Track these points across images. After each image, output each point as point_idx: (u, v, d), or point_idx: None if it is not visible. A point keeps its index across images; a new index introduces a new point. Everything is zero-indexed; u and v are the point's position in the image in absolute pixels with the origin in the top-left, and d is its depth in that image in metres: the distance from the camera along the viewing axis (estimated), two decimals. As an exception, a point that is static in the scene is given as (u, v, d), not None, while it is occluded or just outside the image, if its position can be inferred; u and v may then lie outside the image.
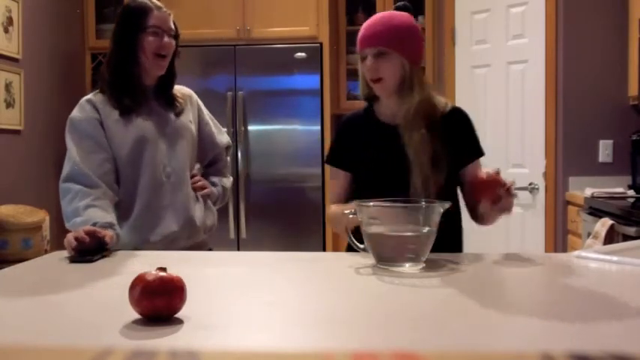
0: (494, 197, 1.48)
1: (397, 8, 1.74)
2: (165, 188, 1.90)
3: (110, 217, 1.73)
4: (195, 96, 2.09)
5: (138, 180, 1.88)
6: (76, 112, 1.91)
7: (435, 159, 1.64)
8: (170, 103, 1.96)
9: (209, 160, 2.15)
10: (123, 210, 1.88)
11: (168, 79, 1.97)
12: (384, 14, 1.71)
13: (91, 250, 1.56)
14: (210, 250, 2.06)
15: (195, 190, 2.00)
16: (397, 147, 1.67)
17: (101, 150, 1.84)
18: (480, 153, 1.76)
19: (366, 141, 1.77)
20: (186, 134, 1.98)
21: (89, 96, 1.94)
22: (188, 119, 2.00)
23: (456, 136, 1.71)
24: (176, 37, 1.94)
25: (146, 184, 1.88)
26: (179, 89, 2.03)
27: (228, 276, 1.37)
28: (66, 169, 1.83)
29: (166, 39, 1.87)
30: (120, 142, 1.86)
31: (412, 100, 1.67)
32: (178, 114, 1.97)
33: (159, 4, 1.91)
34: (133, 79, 1.90)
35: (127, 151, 1.86)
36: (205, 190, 2.04)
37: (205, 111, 2.12)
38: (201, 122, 2.08)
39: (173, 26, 1.92)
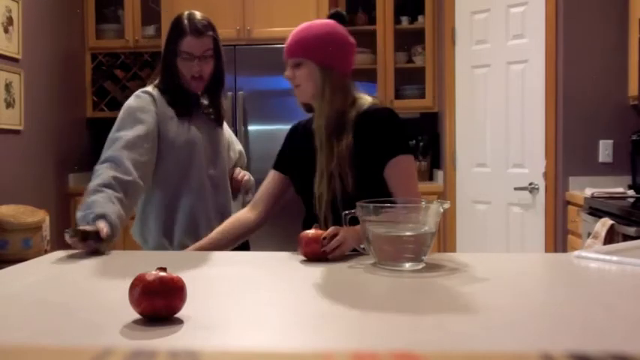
0: (317, 251, 1.50)
1: (330, 16, 1.79)
2: (208, 192, 2.00)
3: (108, 207, 1.67)
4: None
5: (184, 182, 1.97)
6: (133, 101, 1.95)
7: (342, 166, 1.65)
8: (214, 112, 2.05)
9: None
10: (169, 211, 1.97)
11: (214, 88, 2.03)
12: (304, 25, 1.75)
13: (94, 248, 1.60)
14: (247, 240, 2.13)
15: (239, 182, 2.11)
16: (313, 154, 1.73)
17: (148, 139, 1.89)
18: (393, 153, 1.69)
19: (298, 148, 1.82)
20: (224, 143, 2.09)
21: (148, 88, 2.00)
22: (223, 130, 2.12)
23: (369, 137, 1.68)
24: (217, 53, 1.97)
25: (192, 186, 1.97)
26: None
27: (228, 276, 1.37)
28: (106, 152, 1.83)
29: (196, 65, 1.92)
30: (172, 140, 1.94)
31: (324, 108, 1.71)
32: (219, 123, 2.07)
33: (198, 26, 1.92)
34: (180, 87, 1.98)
35: (177, 151, 1.94)
36: (245, 178, 2.15)
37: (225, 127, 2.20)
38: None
39: (212, 46, 1.94)
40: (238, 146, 2.26)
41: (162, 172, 1.96)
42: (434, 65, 4.45)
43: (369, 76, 4.60)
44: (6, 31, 3.58)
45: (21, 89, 3.72)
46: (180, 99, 1.98)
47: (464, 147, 4.01)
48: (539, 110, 3.54)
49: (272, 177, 1.87)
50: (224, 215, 2.00)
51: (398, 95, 4.52)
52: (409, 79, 4.57)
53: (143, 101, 1.92)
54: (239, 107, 3.98)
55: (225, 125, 2.19)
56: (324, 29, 1.71)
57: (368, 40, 4.55)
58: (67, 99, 4.36)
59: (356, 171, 1.65)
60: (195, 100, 2.03)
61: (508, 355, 0.53)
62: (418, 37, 4.52)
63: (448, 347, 0.87)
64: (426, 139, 4.56)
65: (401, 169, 1.69)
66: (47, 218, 3.29)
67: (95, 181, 1.75)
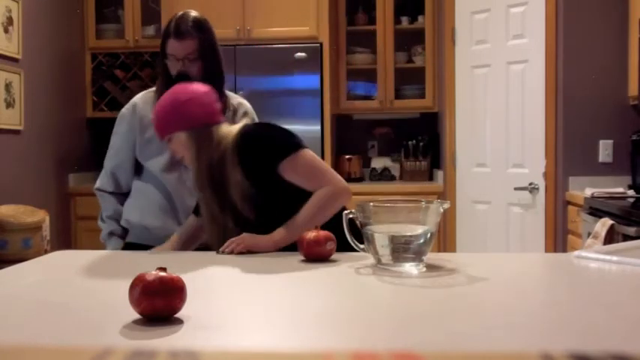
0: (317, 252, 1.52)
1: (174, 80, 1.86)
2: (176, 192, 2.03)
3: (117, 220, 2.10)
4: (243, 108, 2.12)
5: (155, 181, 2.04)
6: (124, 108, 2.12)
7: (238, 205, 1.69)
8: None
9: None
10: (139, 205, 2.06)
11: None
12: (156, 106, 1.79)
13: None
14: None
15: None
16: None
17: (122, 146, 2.06)
18: (280, 156, 1.70)
19: None
20: None
21: (143, 92, 2.11)
22: None
23: (252, 157, 1.70)
24: (204, 55, 1.95)
25: (161, 187, 2.03)
26: (230, 98, 2.09)
27: (228, 276, 1.37)
28: (102, 172, 2.14)
29: (180, 66, 1.93)
30: (147, 142, 2.02)
31: (194, 165, 1.74)
32: None
33: (182, 28, 1.92)
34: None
35: (150, 153, 2.01)
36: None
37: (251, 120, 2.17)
38: None
39: (196, 48, 1.92)
40: None
41: (142, 170, 2.09)
42: (434, 65, 4.45)
43: (369, 76, 4.61)
44: (6, 31, 3.58)
45: (21, 89, 3.72)
46: None
47: (464, 147, 4.01)
48: (539, 110, 3.54)
49: (190, 221, 1.89)
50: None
51: (398, 95, 4.52)
52: (409, 79, 4.57)
53: (126, 110, 2.09)
54: (239, 107, 3.98)
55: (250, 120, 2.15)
56: (168, 99, 1.75)
57: (368, 40, 4.55)
58: (67, 99, 4.36)
59: (256, 197, 1.68)
60: None
61: (508, 355, 0.53)
62: (418, 37, 4.52)
63: (448, 347, 0.87)
64: (426, 139, 4.56)
65: (296, 166, 1.70)
66: (47, 218, 3.29)
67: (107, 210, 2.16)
